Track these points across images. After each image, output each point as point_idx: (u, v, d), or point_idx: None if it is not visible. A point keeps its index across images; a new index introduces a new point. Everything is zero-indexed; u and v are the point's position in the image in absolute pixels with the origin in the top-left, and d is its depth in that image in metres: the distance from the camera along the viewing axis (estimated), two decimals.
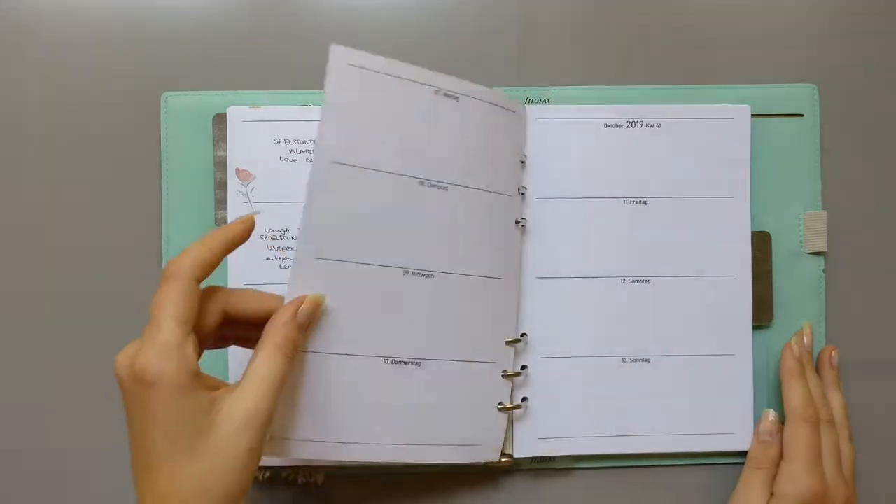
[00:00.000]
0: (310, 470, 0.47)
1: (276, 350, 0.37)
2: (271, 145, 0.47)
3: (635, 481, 0.49)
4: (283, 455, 0.41)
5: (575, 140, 0.48)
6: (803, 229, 0.49)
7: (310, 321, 0.40)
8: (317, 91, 0.48)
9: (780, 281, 0.49)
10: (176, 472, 0.33)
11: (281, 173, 0.47)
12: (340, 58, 0.41)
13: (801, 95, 0.50)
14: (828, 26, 0.51)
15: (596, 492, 0.48)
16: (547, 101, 0.49)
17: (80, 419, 0.47)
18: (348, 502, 0.48)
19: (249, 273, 0.46)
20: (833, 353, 0.48)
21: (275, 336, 0.37)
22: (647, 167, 0.48)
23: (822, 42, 0.51)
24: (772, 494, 0.45)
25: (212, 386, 0.36)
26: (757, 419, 0.47)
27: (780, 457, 0.46)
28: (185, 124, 0.48)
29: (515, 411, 0.47)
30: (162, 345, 0.34)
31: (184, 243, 0.46)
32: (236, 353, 0.43)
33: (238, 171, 0.47)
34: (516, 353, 0.47)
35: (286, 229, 0.47)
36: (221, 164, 0.47)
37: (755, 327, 0.48)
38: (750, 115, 0.49)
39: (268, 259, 0.47)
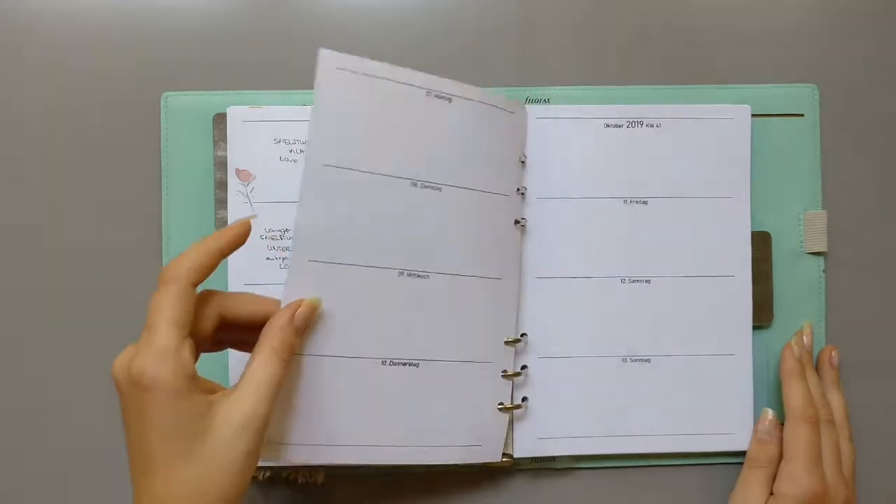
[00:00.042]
0: (310, 470, 0.47)
1: (273, 354, 0.37)
2: (271, 145, 0.47)
3: (635, 481, 0.49)
4: (279, 459, 0.41)
5: (575, 140, 0.48)
6: (803, 229, 0.49)
7: (306, 325, 0.40)
8: None
9: (780, 281, 0.49)
10: (173, 476, 0.33)
11: (281, 173, 0.47)
12: (329, 62, 0.41)
13: (801, 95, 0.50)
14: (828, 26, 0.51)
15: (596, 492, 0.48)
16: (547, 101, 0.49)
17: (80, 419, 0.47)
18: (348, 502, 0.48)
19: (249, 273, 0.46)
20: (833, 353, 0.48)
21: (271, 340, 0.37)
22: (647, 167, 0.48)
23: (822, 42, 0.51)
24: (772, 494, 0.45)
25: (208, 389, 0.36)
26: (757, 419, 0.48)
27: (780, 456, 0.46)
28: (185, 124, 0.48)
29: (515, 411, 0.47)
30: (158, 349, 0.34)
31: (184, 243, 0.46)
32: (236, 357, 0.43)
33: (238, 171, 0.47)
34: (516, 353, 0.47)
35: (286, 229, 0.47)
36: (221, 164, 0.47)
37: (755, 327, 0.48)
38: (750, 115, 0.49)
39: (268, 259, 0.47)
